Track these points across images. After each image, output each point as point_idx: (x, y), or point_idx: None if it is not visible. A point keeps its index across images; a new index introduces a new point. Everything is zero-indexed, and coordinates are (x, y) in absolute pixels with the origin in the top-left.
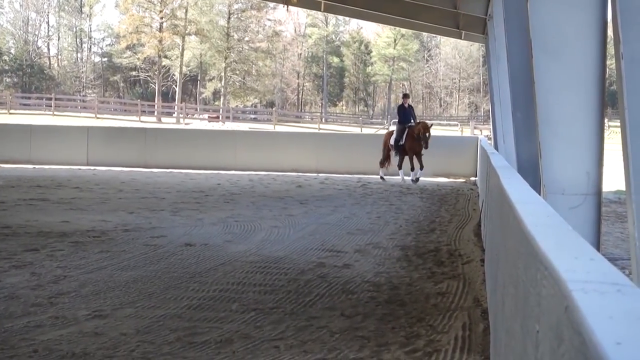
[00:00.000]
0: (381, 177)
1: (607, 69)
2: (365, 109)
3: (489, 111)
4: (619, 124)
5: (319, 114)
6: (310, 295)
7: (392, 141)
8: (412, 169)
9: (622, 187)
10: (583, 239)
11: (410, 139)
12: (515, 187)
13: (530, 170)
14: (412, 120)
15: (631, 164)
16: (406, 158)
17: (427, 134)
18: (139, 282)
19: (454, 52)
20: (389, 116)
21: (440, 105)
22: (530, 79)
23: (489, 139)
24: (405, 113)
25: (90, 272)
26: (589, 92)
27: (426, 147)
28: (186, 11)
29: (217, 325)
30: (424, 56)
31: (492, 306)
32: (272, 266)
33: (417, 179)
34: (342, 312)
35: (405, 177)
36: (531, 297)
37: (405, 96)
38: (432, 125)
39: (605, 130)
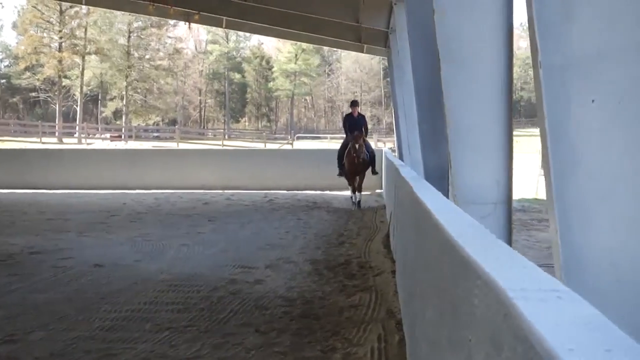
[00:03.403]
0: (352, 199)
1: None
2: (268, 124)
3: (391, 123)
4: (523, 133)
5: (222, 130)
6: (223, 312)
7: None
8: (354, 190)
9: (526, 196)
10: (510, 247)
11: (349, 156)
12: (432, 198)
13: (437, 181)
14: (365, 133)
15: (552, 171)
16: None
17: (357, 146)
18: (50, 304)
19: (354, 65)
20: (292, 131)
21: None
22: (435, 90)
23: (393, 151)
24: (352, 124)
25: None
26: (496, 102)
27: (358, 158)
28: (85, 30)
29: (131, 346)
30: (325, 70)
31: (407, 317)
32: (183, 284)
33: (359, 203)
34: (256, 328)
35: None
36: (462, 306)
37: (354, 104)
38: (361, 136)
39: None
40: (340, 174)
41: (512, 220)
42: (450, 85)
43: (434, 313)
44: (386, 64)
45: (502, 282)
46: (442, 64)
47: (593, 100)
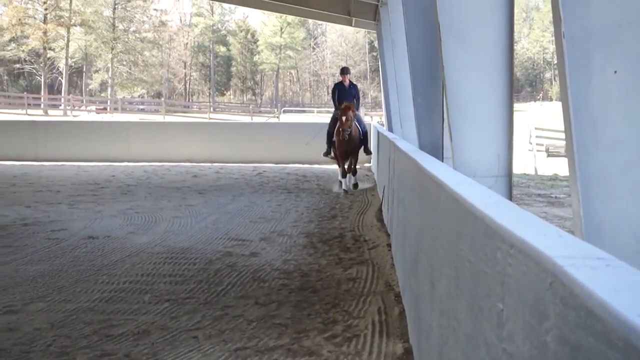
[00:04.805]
0: (341, 184)
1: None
2: (253, 97)
3: (376, 97)
4: (519, 108)
5: (207, 103)
6: (222, 285)
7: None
8: (344, 174)
9: (515, 171)
10: (537, 217)
11: (339, 132)
12: (443, 171)
13: (432, 154)
14: (356, 105)
15: (575, 143)
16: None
17: (344, 119)
18: (47, 276)
19: (340, 39)
20: (279, 104)
21: (328, 93)
22: (432, 63)
23: (382, 124)
24: (342, 94)
25: None
26: (498, 75)
27: (344, 134)
28: (70, 2)
29: (132, 317)
30: (310, 44)
31: (407, 290)
32: (179, 256)
33: (355, 185)
34: (256, 301)
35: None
36: (487, 276)
37: (345, 71)
38: (350, 107)
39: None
40: (326, 154)
41: (512, 193)
42: (451, 58)
43: (448, 283)
44: (372, 38)
45: (547, 251)
46: (442, 37)
47: (615, 71)
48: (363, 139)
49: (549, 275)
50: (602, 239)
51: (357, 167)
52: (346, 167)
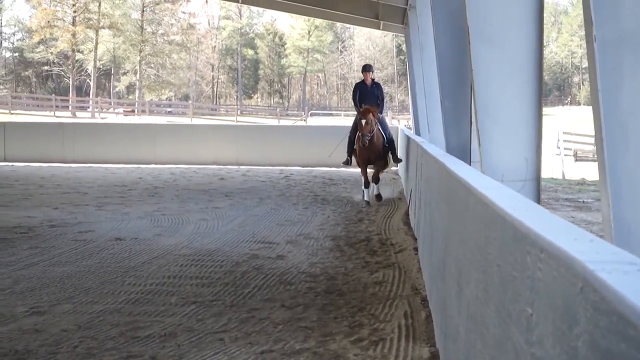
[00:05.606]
0: (364, 195)
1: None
2: (281, 100)
3: (403, 101)
4: (547, 112)
5: (234, 106)
6: (248, 287)
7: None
8: (367, 184)
9: (545, 175)
10: (566, 221)
11: (359, 138)
12: (470, 174)
13: (460, 158)
14: (380, 107)
15: (606, 147)
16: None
17: (364, 123)
18: (74, 277)
19: (367, 43)
20: (306, 108)
21: None
22: (459, 67)
23: (409, 128)
24: (364, 95)
25: (22, 268)
26: (527, 79)
27: (364, 139)
28: (99, 4)
29: (158, 319)
30: (338, 47)
31: (434, 293)
32: (205, 259)
33: (378, 197)
34: (282, 303)
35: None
36: (516, 280)
37: (366, 68)
38: (371, 110)
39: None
40: (346, 162)
41: (540, 198)
42: (480, 63)
43: (476, 287)
44: (400, 41)
45: (577, 255)
46: (472, 42)
47: None
48: (388, 146)
49: (579, 280)
50: (632, 243)
51: (385, 171)
52: (369, 176)
